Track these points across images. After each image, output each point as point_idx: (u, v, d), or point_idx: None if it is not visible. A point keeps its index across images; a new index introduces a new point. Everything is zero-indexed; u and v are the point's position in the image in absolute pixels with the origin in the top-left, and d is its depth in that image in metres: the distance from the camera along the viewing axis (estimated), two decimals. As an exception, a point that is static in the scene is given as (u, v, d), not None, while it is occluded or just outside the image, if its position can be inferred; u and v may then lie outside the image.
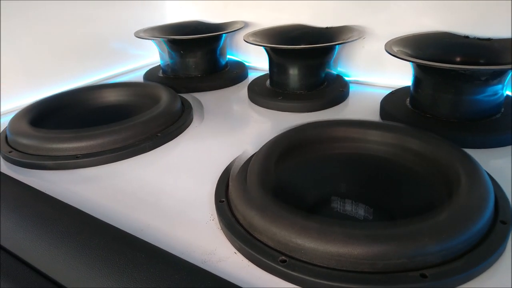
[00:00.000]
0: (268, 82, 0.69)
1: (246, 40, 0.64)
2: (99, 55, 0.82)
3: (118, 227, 0.35)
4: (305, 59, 0.63)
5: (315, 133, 0.46)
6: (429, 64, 0.46)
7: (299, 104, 0.61)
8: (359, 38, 0.61)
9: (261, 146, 0.43)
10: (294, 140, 0.45)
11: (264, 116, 0.61)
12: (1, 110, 0.67)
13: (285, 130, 0.46)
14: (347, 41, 0.61)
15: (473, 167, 0.36)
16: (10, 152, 0.50)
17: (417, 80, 0.53)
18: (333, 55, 0.63)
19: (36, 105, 0.59)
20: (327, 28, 0.70)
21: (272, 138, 0.44)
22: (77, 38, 0.77)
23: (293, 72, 0.63)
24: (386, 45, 0.54)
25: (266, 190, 0.35)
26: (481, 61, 0.54)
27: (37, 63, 0.71)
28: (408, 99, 0.57)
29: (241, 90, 0.72)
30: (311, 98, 0.62)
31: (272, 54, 0.65)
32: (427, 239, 0.28)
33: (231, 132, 0.56)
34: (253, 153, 0.43)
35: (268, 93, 0.65)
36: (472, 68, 0.46)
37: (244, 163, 0.41)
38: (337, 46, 0.62)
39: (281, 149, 0.43)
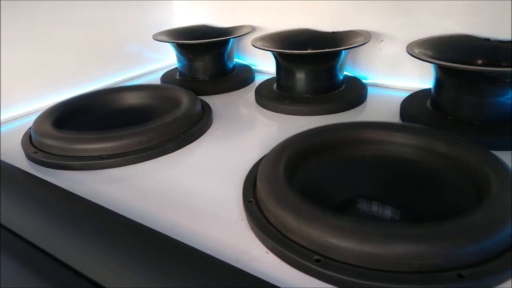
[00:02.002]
0: (275, 85, 0.69)
1: (254, 44, 0.64)
2: (115, 58, 0.82)
3: (149, 226, 0.35)
4: (312, 63, 0.63)
5: (339, 134, 0.46)
6: (454, 66, 0.46)
7: (306, 107, 0.61)
8: (365, 42, 0.61)
9: (280, 147, 0.43)
10: (316, 141, 0.45)
11: (273, 119, 0.61)
12: (22, 112, 0.68)
13: (304, 131, 0.46)
14: (353, 46, 0.61)
15: (503, 168, 0.36)
16: (35, 153, 0.50)
17: (439, 82, 0.53)
18: (340, 59, 0.63)
19: (58, 106, 0.60)
20: (333, 32, 0.70)
21: (291, 138, 0.44)
22: (94, 41, 0.77)
23: (300, 76, 0.64)
24: (407, 47, 0.54)
25: (295, 191, 0.36)
26: (503, 63, 0.54)
27: (53, 66, 0.72)
28: (429, 101, 0.57)
29: (248, 93, 0.72)
30: (320, 101, 0.62)
31: (279, 58, 0.65)
32: (464, 238, 0.28)
33: (245, 134, 0.56)
34: (276, 154, 0.43)
35: (275, 96, 0.65)
36: (498, 70, 0.46)
37: (270, 164, 0.41)
38: (343, 51, 0.62)
39: (303, 150, 0.44)
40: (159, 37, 0.75)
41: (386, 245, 0.28)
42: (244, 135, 0.56)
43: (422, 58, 0.50)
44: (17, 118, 0.67)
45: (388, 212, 0.40)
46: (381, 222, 0.38)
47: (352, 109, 0.62)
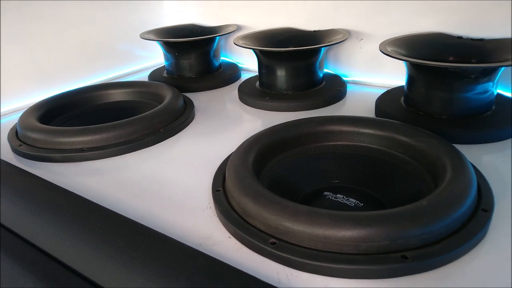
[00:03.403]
0: (258, 83, 0.71)
1: (236, 43, 0.66)
2: (105, 56, 0.84)
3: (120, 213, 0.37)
4: (292, 61, 0.65)
5: (307, 128, 0.47)
6: (421, 63, 0.48)
7: (285, 104, 0.62)
8: (343, 40, 0.63)
9: (252, 139, 0.45)
10: (285, 135, 0.47)
11: (253, 115, 0.63)
12: (12, 108, 0.70)
13: (277, 124, 0.48)
14: (330, 43, 0.63)
15: (458, 159, 0.38)
16: (20, 145, 0.52)
17: (410, 79, 0.55)
18: (319, 57, 0.65)
19: (44, 102, 0.62)
20: (315, 31, 0.72)
21: (264, 131, 0.46)
22: (84, 39, 0.80)
23: (280, 73, 0.65)
24: (380, 45, 0.56)
25: (259, 180, 0.37)
26: (473, 60, 0.56)
27: (45, 63, 0.74)
28: (403, 98, 0.58)
29: (233, 91, 0.74)
30: (300, 98, 0.63)
31: (261, 56, 0.67)
32: (408, 222, 0.30)
33: (225, 129, 0.58)
34: (247, 146, 0.44)
35: (257, 93, 0.67)
36: (462, 66, 0.47)
37: (239, 155, 0.43)
38: (322, 48, 0.64)
39: (275, 143, 0.46)
40: (146, 36, 0.77)
41: (334, 228, 0.30)
42: (224, 130, 0.58)
43: (393, 55, 0.52)
44: (7, 113, 0.69)
45: (352, 201, 0.42)
46: (333, 208, 0.40)
47: (331, 106, 0.64)
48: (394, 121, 0.47)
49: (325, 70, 0.71)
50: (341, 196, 0.43)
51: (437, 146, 0.41)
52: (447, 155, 0.39)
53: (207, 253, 0.31)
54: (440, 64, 0.46)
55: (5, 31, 0.67)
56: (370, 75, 0.71)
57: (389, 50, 0.54)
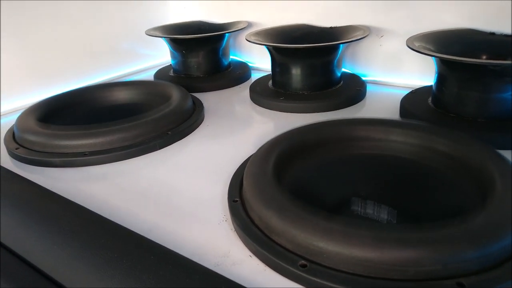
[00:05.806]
0: (270, 82, 0.67)
1: (248, 39, 0.62)
2: (109, 55, 0.80)
3: (126, 226, 0.33)
4: (308, 58, 0.61)
5: (333, 131, 0.43)
6: (456, 59, 0.43)
7: (301, 104, 0.58)
8: (364, 36, 0.58)
9: (270, 144, 0.41)
10: (309, 138, 0.43)
11: (266, 116, 0.59)
12: (11, 108, 0.66)
13: (296, 128, 0.44)
14: (351, 40, 0.59)
15: (508, 168, 0.34)
16: (16, 148, 0.48)
17: (441, 78, 0.51)
18: (337, 55, 0.60)
19: (45, 102, 0.58)
20: (331, 27, 0.68)
21: (282, 135, 0.42)
22: (87, 37, 0.76)
23: (296, 72, 0.61)
24: (407, 40, 0.51)
25: (284, 190, 0.33)
26: (508, 58, 0.51)
27: (46, 62, 0.70)
28: (430, 98, 0.54)
29: (243, 91, 0.70)
30: (317, 98, 0.59)
31: (274, 53, 0.63)
32: (465, 242, 0.25)
33: (237, 131, 0.54)
34: (265, 151, 0.40)
35: (270, 93, 0.63)
36: (504, 63, 0.43)
37: (258, 161, 0.38)
38: (341, 45, 0.59)
39: (295, 148, 0.41)
40: (152, 32, 0.73)
41: (377, 250, 0.25)
42: (236, 133, 0.54)
43: (423, 51, 0.47)
44: (6, 114, 0.65)
45: (384, 214, 0.38)
46: (375, 224, 0.35)
47: (350, 107, 0.59)
48: (428, 123, 0.42)
49: (342, 70, 0.66)
50: (371, 208, 0.38)
51: (480, 151, 0.37)
52: (493, 162, 0.35)
53: (225, 275, 0.27)
54: (481, 62, 0.42)
55: (4, 28, 0.63)
56: (391, 75, 0.67)
57: (417, 46, 0.50)
